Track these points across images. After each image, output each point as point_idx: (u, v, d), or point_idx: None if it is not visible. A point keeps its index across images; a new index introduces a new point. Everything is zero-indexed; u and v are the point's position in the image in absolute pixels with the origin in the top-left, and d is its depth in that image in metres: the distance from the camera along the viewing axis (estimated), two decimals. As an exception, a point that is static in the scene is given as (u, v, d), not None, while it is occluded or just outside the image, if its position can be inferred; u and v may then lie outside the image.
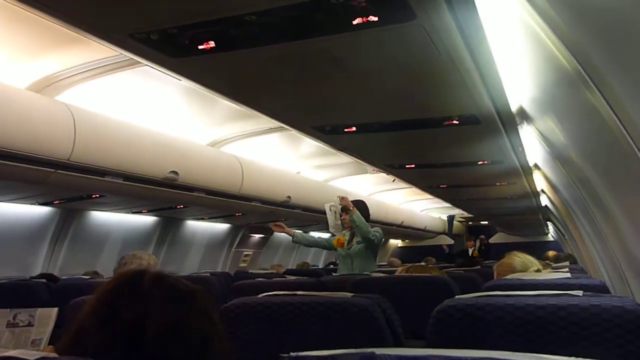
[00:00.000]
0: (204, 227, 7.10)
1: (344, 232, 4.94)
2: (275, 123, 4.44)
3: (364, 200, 5.02)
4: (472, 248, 12.92)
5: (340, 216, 4.82)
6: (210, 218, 6.78)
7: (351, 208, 4.66)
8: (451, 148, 4.31)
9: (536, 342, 1.32)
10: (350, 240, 4.91)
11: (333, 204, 4.92)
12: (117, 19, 2.01)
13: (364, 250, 4.79)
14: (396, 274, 3.00)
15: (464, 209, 11.08)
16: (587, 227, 4.87)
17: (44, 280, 3.67)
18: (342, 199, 4.74)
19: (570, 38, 1.56)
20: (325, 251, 10.59)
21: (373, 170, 6.68)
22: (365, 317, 1.60)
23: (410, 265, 3.18)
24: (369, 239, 4.69)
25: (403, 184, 7.90)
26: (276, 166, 6.18)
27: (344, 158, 6.02)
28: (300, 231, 5.21)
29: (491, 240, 14.41)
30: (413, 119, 3.34)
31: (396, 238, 14.35)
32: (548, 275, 2.17)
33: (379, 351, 0.83)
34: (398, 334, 1.67)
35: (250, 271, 5.66)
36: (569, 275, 2.11)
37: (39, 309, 2.18)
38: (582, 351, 1.28)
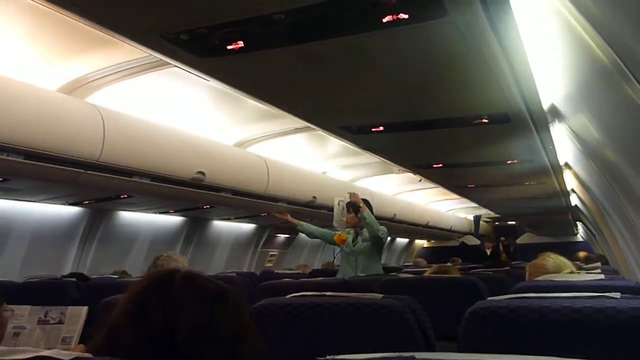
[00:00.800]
0: (230, 227, 7.14)
1: (347, 229, 4.91)
2: (301, 123, 4.44)
3: (369, 200, 4.97)
4: (489, 249, 12.82)
5: (347, 211, 4.79)
6: (236, 218, 6.81)
7: (361, 205, 4.61)
8: (480, 147, 4.26)
9: (572, 346, 1.28)
10: (354, 239, 4.87)
11: (343, 199, 4.88)
12: (148, 19, 2.02)
13: (369, 248, 4.75)
14: (427, 274, 2.98)
15: (491, 209, 10.94)
16: (621, 226, 4.77)
17: (74, 279, 3.72)
18: (352, 195, 4.70)
19: (608, 28, 1.51)
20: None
21: (399, 170, 6.64)
22: (395, 319, 1.58)
23: (438, 265, 3.16)
24: (378, 237, 4.65)
25: (429, 184, 7.83)
26: (302, 166, 6.18)
27: (370, 158, 5.99)
28: (306, 223, 5.18)
29: (518, 241, 14.22)
30: (442, 118, 3.31)
31: (421, 238, 14.25)
32: (581, 276, 2.13)
33: (419, 355, 0.80)
34: (429, 335, 1.64)
35: (276, 271, 5.67)
36: (602, 276, 2.07)
37: (70, 307, 2.19)
38: (620, 356, 1.24)
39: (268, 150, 5.58)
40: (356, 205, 4.66)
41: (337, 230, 4.92)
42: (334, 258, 5.24)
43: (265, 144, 5.50)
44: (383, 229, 4.73)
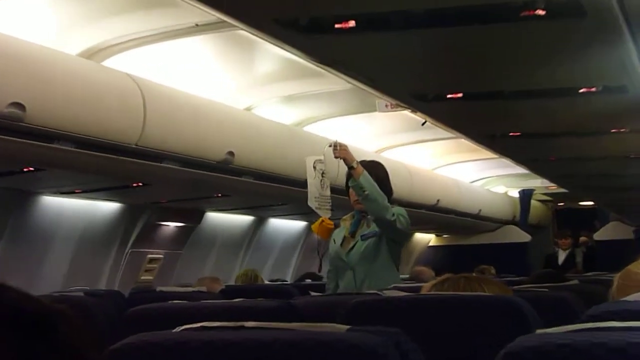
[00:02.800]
0: (75, 209, 7.08)
1: (343, 218, 5.01)
2: (203, 15, 4.40)
3: (382, 163, 5.04)
4: (567, 250, 12.96)
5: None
6: (85, 192, 6.77)
7: (354, 165, 4.73)
8: (531, 60, 4.32)
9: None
10: (353, 234, 4.95)
11: (320, 158, 4.93)
12: None
13: (374, 248, 4.89)
14: (423, 291, 3.02)
15: (550, 178, 11.11)
16: None
17: None
18: (339, 148, 4.77)
19: None
20: (295, 258, 10.64)
21: (387, 105, 6.67)
22: (372, 367, 1.61)
23: (448, 277, 3.20)
24: (387, 222, 4.79)
25: (441, 132, 7.89)
26: (207, 96, 6.16)
27: (335, 82, 5.99)
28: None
29: (597, 237, 14.50)
30: (467, 6, 3.34)
31: (426, 231, 14.43)
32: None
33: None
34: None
35: (159, 289, 5.67)
36: None
37: None
38: None
39: (144, 64, 5.54)
40: (348, 165, 4.79)
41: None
42: (320, 264, 5.32)
43: (139, 53, 5.47)
44: (400, 210, 4.88)
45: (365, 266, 4.89)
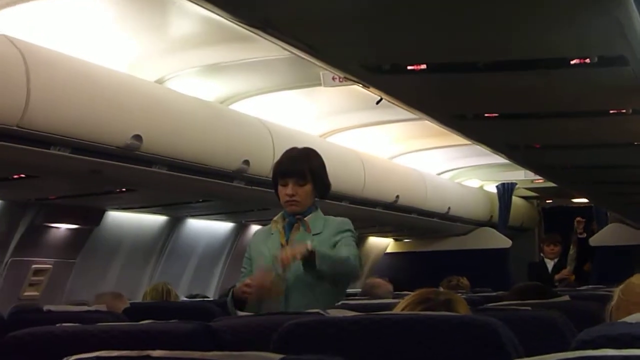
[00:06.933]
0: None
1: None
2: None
3: (316, 151, 5.02)
4: (554, 259, 13.05)
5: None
6: (-47, 186, 6.71)
7: (304, 257, 4.46)
8: (511, 25, 4.36)
9: None
10: (287, 242, 4.93)
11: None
12: None
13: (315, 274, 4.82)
14: (395, 310, 3.03)
15: (535, 169, 11.19)
16: None
17: None
18: (282, 261, 4.49)
19: None
20: (220, 268, 10.61)
21: (335, 78, 6.67)
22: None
23: (420, 292, 3.21)
24: (348, 275, 4.91)
25: (401, 113, 7.90)
26: (107, 66, 6.13)
27: (268, 48, 5.97)
28: None
29: (594, 242, 14.58)
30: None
31: (383, 234, 14.46)
32: None
33: None
34: None
35: (46, 307, 5.65)
36: None
37: None
38: None
39: (28, 26, 5.53)
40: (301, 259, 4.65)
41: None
42: None
43: (22, 11, 5.44)
44: (353, 253, 4.74)
45: (302, 291, 4.73)
